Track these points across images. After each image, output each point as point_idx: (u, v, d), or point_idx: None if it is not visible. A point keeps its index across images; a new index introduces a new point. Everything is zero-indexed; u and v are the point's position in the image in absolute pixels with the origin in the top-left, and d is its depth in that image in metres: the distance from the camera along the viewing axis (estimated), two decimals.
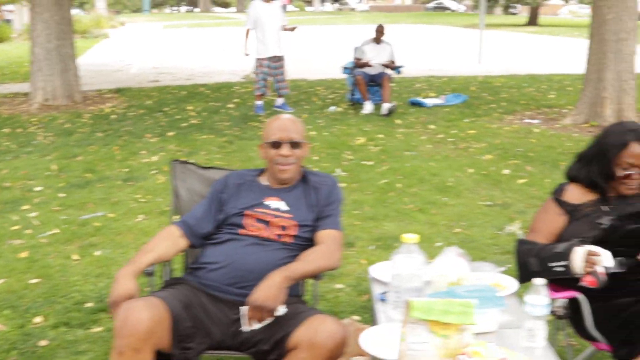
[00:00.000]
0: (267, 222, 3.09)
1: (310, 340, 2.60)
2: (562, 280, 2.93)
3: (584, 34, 30.73)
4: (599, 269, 2.78)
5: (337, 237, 3.08)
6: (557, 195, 3.19)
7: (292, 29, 11.22)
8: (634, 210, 3.01)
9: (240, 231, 3.09)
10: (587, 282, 2.80)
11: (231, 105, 11.90)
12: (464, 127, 9.75)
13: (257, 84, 10.80)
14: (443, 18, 55.12)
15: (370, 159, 8.03)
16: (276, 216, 3.10)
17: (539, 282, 2.51)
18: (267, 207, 3.13)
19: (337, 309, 4.27)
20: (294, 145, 3.15)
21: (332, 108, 11.40)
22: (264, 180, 3.26)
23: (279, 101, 11.20)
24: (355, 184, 7.08)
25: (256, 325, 2.75)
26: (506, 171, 7.44)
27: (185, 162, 3.65)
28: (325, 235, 3.07)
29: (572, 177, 3.22)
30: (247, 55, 11.02)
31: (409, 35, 32.72)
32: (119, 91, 13.81)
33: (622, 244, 2.90)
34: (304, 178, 3.26)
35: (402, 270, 2.65)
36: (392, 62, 11.24)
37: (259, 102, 10.90)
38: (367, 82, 11.04)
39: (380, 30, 11.14)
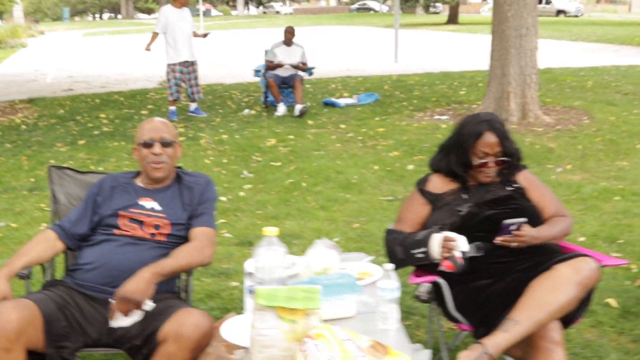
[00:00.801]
0: (141, 222, 3.14)
1: (176, 333, 2.67)
2: (427, 266, 3.06)
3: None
4: (457, 254, 2.92)
5: (209, 234, 3.15)
6: (420, 185, 3.33)
7: (205, 36, 11.23)
8: (491, 197, 3.16)
9: (115, 231, 3.14)
10: (446, 266, 2.94)
11: (145, 112, 11.83)
12: (373, 125, 9.92)
13: (170, 90, 10.77)
14: (366, 19, 55.70)
15: (278, 160, 8.12)
16: (150, 216, 3.16)
17: (389, 267, 2.62)
18: (142, 207, 3.20)
19: (232, 306, 4.33)
20: (166, 144, 3.22)
21: (246, 111, 11.45)
22: (139, 182, 3.32)
23: (192, 106, 11.19)
24: (261, 185, 7.15)
25: (124, 322, 2.80)
26: (410, 167, 7.62)
27: (62, 168, 3.67)
28: (198, 233, 3.14)
29: (435, 167, 3.36)
30: (148, 50, 10.96)
31: (331, 36, 33.04)
32: (31, 101, 13.58)
33: (480, 230, 3.05)
34: (178, 178, 3.32)
35: (264, 262, 2.73)
36: (304, 63, 11.33)
37: (173, 108, 10.87)
38: (279, 85, 11.13)
39: (290, 32, 11.22)
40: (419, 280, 3.00)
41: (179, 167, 3.44)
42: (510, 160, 3.23)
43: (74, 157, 8.70)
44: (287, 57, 11.22)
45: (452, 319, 3.07)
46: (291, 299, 2.28)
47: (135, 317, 2.81)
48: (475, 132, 3.18)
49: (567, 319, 2.87)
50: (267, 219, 6.07)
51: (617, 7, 76.03)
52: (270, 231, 2.74)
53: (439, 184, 3.30)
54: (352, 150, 8.53)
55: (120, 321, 2.81)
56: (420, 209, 3.25)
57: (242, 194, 6.86)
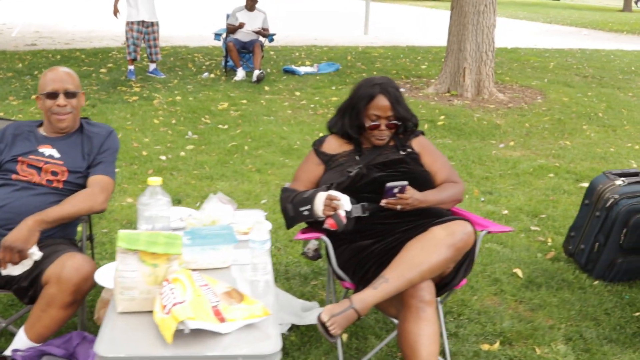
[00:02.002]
0: (39, 168, 3.17)
1: (57, 275, 2.72)
2: (316, 225, 3.10)
3: None
4: (341, 213, 2.96)
5: (103, 181, 3.18)
6: (316, 146, 3.37)
7: None
8: (382, 160, 3.20)
9: (13, 176, 3.17)
10: (329, 224, 2.98)
11: (104, 70, 11.73)
12: (328, 94, 9.92)
13: (128, 49, 10.70)
14: None
15: (226, 123, 8.12)
16: (47, 162, 3.18)
17: (259, 219, 2.66)
18: (41, 154, 3.22)
19: None
20: (69, 95, 3.25)
21: (205, 74, 11.39)
22: (41, 130, 3.34)
23: (151, 67, 11.13)
24: (204, 146, 7.16)
25: (15, 270, 2.84)
26: None
27: None
28: (92, 180, 3.17)
29: (331, 129, 3.40)
30: (116, 16, 10.89)
31: (305, 5, 32.77)
32: None
33: (367, 191, 3.09)
34: (82, 128, 3.34)
35: (147, 211, 2.76)
36: (265, 29, 11.28)
37: (131, 67, 10.81)
38: (239, 49, 11.07)
39: None
40: (302, 236, 3.05)
41: (85, 118, 3.46)
42: (402, 124, 3.27)
43: (24, 111, 8.64)
44: (249, 22, 11.15)
45: (338, 277, 3.12)
46: (152, 243, 2.32)
47: (25, 265, 2.84)
48: (367, 94, 3.22)
49: (448, 282, 2.94)
50: (201, 179, 6.09)
51: None
52: (154, 181, 2.77)
53: (334, 145, 3.34)
54: (302, 117, 8.55)
55: (10, 269, 2.84)
56: (314, 169, 3.29)
57: (182, 154, 6.86)
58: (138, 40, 10.56)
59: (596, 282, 4.18)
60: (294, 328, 3.52)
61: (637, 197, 4.06)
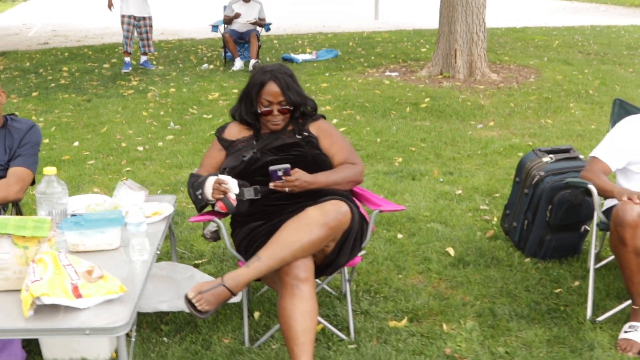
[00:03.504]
0: None
1: None
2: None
3: None
4: (231, 196, 3.10)
5: (20, 172, 3.36)
6: (218, 132, 3.51)
7: None
8: (277, 144, 3.33)
9: None
10: (220, 207, 3.12)
11: (107, 65, 12.00)
12: (319, 80, 10.03)
13: (124, 41, 11.01)
14: None
15: (211, 113, 8.28)
16: None
17: (133, 202, 2.82)
18: None
19: None
20: None
21: (205, 66, 11.58)
22: None
23: (142, 59, 11.41)
24: (184, 136, 7.33)
25: None
26: (335, 121, 7.76)
27: None
28: (11, 172, 3.37)
29: (232, 115, 3.53)
30: (110, 9, 11.21)
31: None
32: (3, 54, 13.77)
33: (260, 174, 3.22)
34: (5, 124, 3.52)
35: (44, 199, 2.93)
36: (262, 19, 11.41)
37: (126, 59, 11.11)
38: (236, 40, 11.24)
39: None
40: (194, 219, 3.19)
41: (12, 114, 3.65)
42: (296, 108, 3.38)
43: (21, 108, 8.91)
44: (245, 12, 11.30)
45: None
46: (20, 227, 2.49)
47: None
48: (259, 81, 3.34)
49: (333, 261, 3.06)
50: (171, 167, 6.26)
51: None
52: (50, 171, 2.94)
53: (235, 131, 3.47)
54: None
55: None
56: (217, 155, 3.43)
57: (160, 144, 7.04)
58: (129, 32, 10.84)
59: (527, 260, 4.25)
60: None
61: (562, 174, 4.11)
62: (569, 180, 3.80)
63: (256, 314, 3.60)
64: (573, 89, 9.38)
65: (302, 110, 3.42)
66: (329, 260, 3.05)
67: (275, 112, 3.34)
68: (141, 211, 2.77)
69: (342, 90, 9.34)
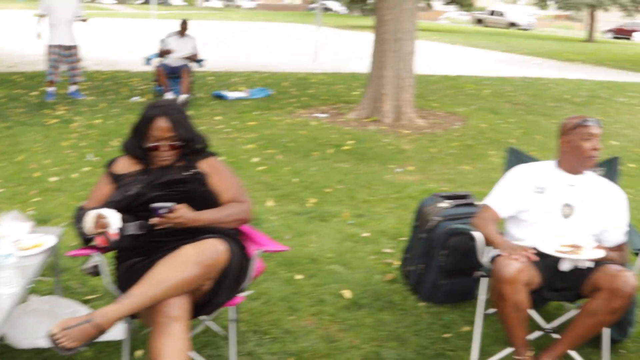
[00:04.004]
0: None
1: None
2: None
3: (444, 39, 31.75)
4: (111, 231, 3.05)
5: None
6: (108, 166, 3.46)
7: (84, 20, 11.31)
8: (163, 180, 3.30)
9: None
10: (100, 242, 3.06)
11: (35, 93, 11.81)
12: (248, 119, 10.04)
13: (47, 71, 10.89)
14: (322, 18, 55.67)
15: None
16: None
17: (16, 233, 2.75)
18: None
19: None
20: None
21: (135, 98, 11.51)
22: None
23: (71, 88, 11.28)
24: (101, 169, 7.18)
25: None
26: (256, 159, 7.75)
27: None
28: None
29: (124, 149, 3.49)
30: (39, 38, 11.11)
31: (270, 33, 33.00)
32: None
33: (145, 209, 3.18)
34: None
35: None
36: (195, 55, 11.43)
37: (50, 89, 11.02)
38: (169, 74, 11.22)
39: (183, 24, 11.35)
40: (71, 253, 3.13)
41: None
42: (187, 145, 3.37)
43: None
44: (180, 47, 11.33)
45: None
46: None
47: None
48: (148, 116, 3.34)
49: (210, 300, 3.03)
50: (81, 200, 6.09)
51: (574, 24, 76.77)
52: None
53: (125, 165, 3.44)
54: (213, 141, 8.57)
55: None
56: (105, 188, 3.38)
57: (75, 175, 6.93)
58: (57, 62, 10.75)
59: (422, 304, 4.27)
60: (93, 343, 3.57)
61: (457, 220, 4.16)
62: (456, 226, 3.85)
63: (138, 352, 3.52)
64: (495, 138, 9.57)
65: (193, 147, 3.41)
66: (206, 299, 3.02)
67: (164, 148, 3.32)
68: (11, 243, 2.70)
69: (268, 129, 9.36)
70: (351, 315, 4.10)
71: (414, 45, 10.32)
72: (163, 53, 11.24)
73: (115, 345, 3.55)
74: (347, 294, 4.37)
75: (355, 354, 3.65)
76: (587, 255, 3.39)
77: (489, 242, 3.51)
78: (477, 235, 3.53)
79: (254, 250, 3.29)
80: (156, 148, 3.32)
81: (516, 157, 4.09)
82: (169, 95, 11.15)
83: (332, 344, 3.74)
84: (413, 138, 9.24)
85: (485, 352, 3.68)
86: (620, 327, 3.91)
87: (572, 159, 3.67)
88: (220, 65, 16.17)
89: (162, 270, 2.85)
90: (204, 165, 3.42)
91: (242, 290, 3.26)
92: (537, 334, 3.65)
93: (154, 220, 3.08)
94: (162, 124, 3.30)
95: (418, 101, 12.01)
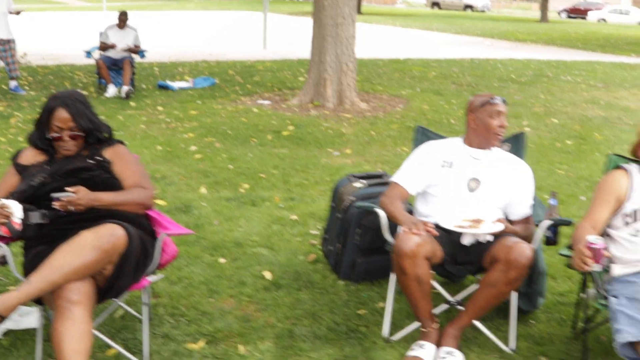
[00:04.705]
0: None
1: None
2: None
3: (399, 23, 31.80)
4: (15, 220, 3.08)
5: None
6: (13, 158, 3.49)
7: (17, 13, 11.18)
8: (67, 169, 3.34)
9: None
10: (4, 232, 3.09)
11: None
12: (190, 108, 10.04)
13: None
14: (275, 5, 55.56)
15: None
16: None
17: None
18: None
19: None
20: None
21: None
22: None
23: (12, 84, 11.16)
24: None
25: None
26: (193, 147, 7.77)
27: None
28: None
29: (29, 141, 3.52)
30: None
31: (221, 21, 32.84)
32: None
33: (49, 198, 3.21)
34: None
35: None
36: (137, 46, 11.38)
37: None
38: (110, 66, 11.16)
39: (122, 16, 11.29)
40: None
41: None
42: (88, 135, 3.41)
43: None
44: (120, 39, 11.26)
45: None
46: None
47: None
48: (49, 108, 3.37)
49: (113, 284, 3.07)
50: None
51: (531, 5, 77.27)
52: None
53: (30, 156, 3.47)
54: (152, 131, 8.64)
55: None
56: (11, 179, 3.41)
57: None
58: None
59: (341, 283, 4.35)
60: (10, 332, 3.61)
61: (371, 199, 4.24)
62: (360, 204, 3.92)
63: None
64: (436, 118, 9.69)
65: (96, 137, 3.45)
66: (109, 283, 3.06)
67: (66, 138, 3.36)
68: None
69: (209, 117, 9.38)
70: (269, 295, 4.17)
71: (354, 29, 10.39)
72: (104, 47, 11.17)
73: (31, 333, 3.58)
74: (268, 275, 4.43)
75: (269, 332, 3.72)
76: (486, 229, 3.49)
77: (393, 220, 3.60)
78: (380, 212, 3.61)
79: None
80: (59, 138, 3.36)
81: (424, 136, 4.17)
82: (111, 88, 11.11)
83: (247, 324, 3.80)
84: (353, 122, 9.33)
85: (397, 327, 3.77)
86: (530, 298, 4.03)
87: (479, 135, 3.76)
88: (168, 55, 16.12)
89: (61, 255, 2.89)
90: (109, 153, 3.46)
91: (150, 274, 3.30)
92: (443, 307, 3.75)
93: (55, 204, 3.12)
94: (62, 115, 3.34)
95: (363, 85, 12.14)
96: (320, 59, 10.32)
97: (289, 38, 23.11)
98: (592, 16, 50.66)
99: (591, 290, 3.42)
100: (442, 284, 3.86)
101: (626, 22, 47.17)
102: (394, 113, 9.96)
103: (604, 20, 49.21)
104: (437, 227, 3.48)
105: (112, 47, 11.11)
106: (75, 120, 3.35)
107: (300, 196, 6.14)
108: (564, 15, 53.01)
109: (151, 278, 3.39)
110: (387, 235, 3.62)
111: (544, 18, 41.87)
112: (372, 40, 22.98)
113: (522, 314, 4.04)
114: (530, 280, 3.99)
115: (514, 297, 3.73)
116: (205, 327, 3.74)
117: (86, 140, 3.44)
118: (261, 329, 3.75)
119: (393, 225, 3.67)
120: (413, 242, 3.28)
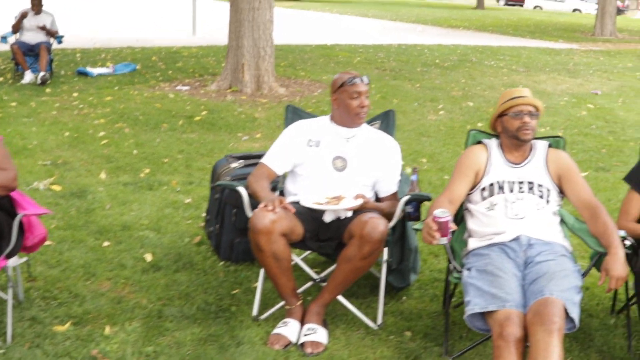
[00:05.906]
0: None
1: None
2: None
3: (336, 10, 31.71)
4: None
5: None
6: None
7: None
8: None
9: None
10: None
11: None
12: (105, 94, 9.96)
13: None
14: None
15: None
16: None
17: None
18: None
19: None
20: None
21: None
22: None
23: None
24: None
25: None
26: (102, 133, 7.73)
27: None
28: None
29: None
30: None
31: (152, 6, 32.39)
32: None
33: None
34: None
35: None
36: (55, 31, 11.21)
37: None
38: (26, 52, 10.96)
39: (36, 1, 11.10)
40: None
41: None
42: None
43: None
44: (34, 24, 11.07)
45: None
46: None
47: None
48: None
49: None
50: None
51: None
52: None
53: None
54: (63, 118, 8.55)
55: None
56: None
57: None
58: None
59: (221, 264, 4.41)
60: None
61: (245, 179, 4.28)
62: (221, 182, 3.99)
63: None
64: None
65: None
66: None
67: None
68: None
69: (122, 103, 9.32)
70: (147, 277, 4.20)
71: (272, 14, 10.42)
72: (16, 26, 11.00)
73: None
74: (149, 257, 4.47)
75: (138, 313, 3.76)
76: (344, 205, 3.57)
77: (256, 197, 3.66)
78: (242, 190, 3.68)
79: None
80: None
81: (295, 115, 4.24)
82: (28, 75, 10.92)
83: (117, 305, 3.83)
84: (268, 107, 9.37)
85: (269, 307, 3.84)
86: (403, 274, 4.14)
87: (343, 114, 3.85)
88: (94, 41, 15.90)
89: None
90: None
91: (11, 256, 3.31)
92: (308, 284, 3.84)
93: None
94: None
95: (286, 70, 12.20)
96: (238, 44, 10.34)
97: (220, 24, 22.94)
98: (528, 3, 51.45)
99: (450, 265, 3.53)
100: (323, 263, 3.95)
101: (561, 10, 48.00)
102: (310, 97, 10.04)
103: (540, 7, 50.00)
104: (299, 204, 3.56)
105: (24, 16, 10.90)
106: None
107: (199, 180, 6.17)
108: (502, 2, 53.70)
109: (12, 261, 3.40)
110: (249, 213, 3.68)
111: (480, 5, 42.36)
112: (304, 27, 23.03)
113: (395, 290, 4.16)
114: (402, 257, 4.10)
115: (383, 274, 3.84)
116: (75, 309, 3.76)
117: None
118: (131, 309, 3.79)
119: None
120: (267, 219, 3.35)
